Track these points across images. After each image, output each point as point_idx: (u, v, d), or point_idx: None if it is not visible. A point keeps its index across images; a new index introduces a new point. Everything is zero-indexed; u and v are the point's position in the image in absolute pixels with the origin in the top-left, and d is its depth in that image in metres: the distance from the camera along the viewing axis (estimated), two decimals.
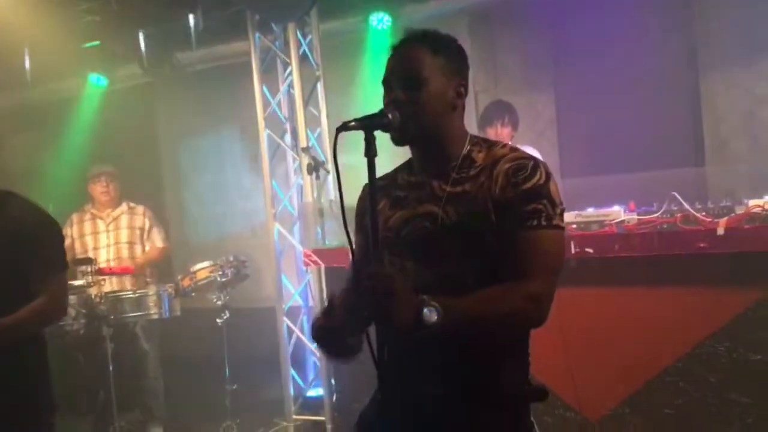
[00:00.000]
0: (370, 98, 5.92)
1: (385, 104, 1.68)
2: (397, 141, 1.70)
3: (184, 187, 7.05)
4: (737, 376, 2.85)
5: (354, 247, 1.84)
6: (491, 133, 4.24)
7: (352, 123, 1.58)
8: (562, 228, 1.66)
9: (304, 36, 4.55)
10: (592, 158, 4.98)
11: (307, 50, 4.53)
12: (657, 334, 3.03)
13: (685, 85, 4.80)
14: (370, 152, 1.60)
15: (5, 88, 6.03)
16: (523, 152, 1.71)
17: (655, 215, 3.00)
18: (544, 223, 1.62)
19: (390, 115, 1.63)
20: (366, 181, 1.68)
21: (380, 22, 5.12)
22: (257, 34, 4.49)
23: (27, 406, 2.43)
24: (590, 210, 3.23)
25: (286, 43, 4.51)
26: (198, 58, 5.84)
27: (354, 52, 5.31)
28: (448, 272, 1.65)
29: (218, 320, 4.55)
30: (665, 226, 2.96)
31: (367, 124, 1.59)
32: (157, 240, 4.91)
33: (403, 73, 1.68)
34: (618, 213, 3.09)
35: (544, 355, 1.93)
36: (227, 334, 4.54)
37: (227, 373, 4.55)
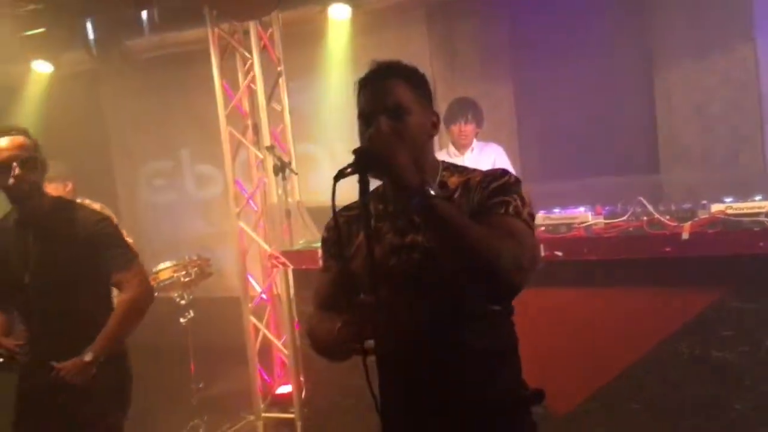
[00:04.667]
0: (330, 89, 5.88)
1: (370, 137, 1.65)
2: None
3: (137, 176, 6.86)
4: (697, 372, 3.00)
5: (326, 270, 1.90)
6: (455, 130, 4.27)
7: (349, 170, 1.56)
8: (532, 227, 1.66)
9: (265, 29, 4.45)
10: (551, 146, 5.06)
11: (267, 44, 4.43)
12: (622, 333, 3.14)
13: (641, 81, 4.91)
14: (365, 198, 1.58)
15: None
16: (496, 168, 1.78)
17: (622, 219, 3.10)
18: (512, 212, 1.63)
19: None
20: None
21: (339, 12, 5.05)
22: (215, 28, 4.36)
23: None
24: (557, 211, 3.31)
25: (245, 36, 4.40)
26: (149, 45, 5.66)
27: (313, 42, 5.23)
28: (442, 300, 1.67)
29: (182, 320, 4.49)
30: (631, 230, 3.06)
31: (360, 169, 1.55)
32: None
33: (386, 103, 1.68)
34: (585, 216, 3.17)
35: None
36: (191, 328, 4.50)
37: (193, 370, 4.52)
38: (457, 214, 1.56)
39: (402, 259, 1.71)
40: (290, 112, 4.56)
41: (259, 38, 4.38)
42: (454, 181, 1.76)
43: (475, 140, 4.35)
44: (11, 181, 2.44)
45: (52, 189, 4.61)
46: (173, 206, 6.68)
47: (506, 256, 1.52)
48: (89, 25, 5.36)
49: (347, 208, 1.85)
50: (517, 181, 1.72)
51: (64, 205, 2.67)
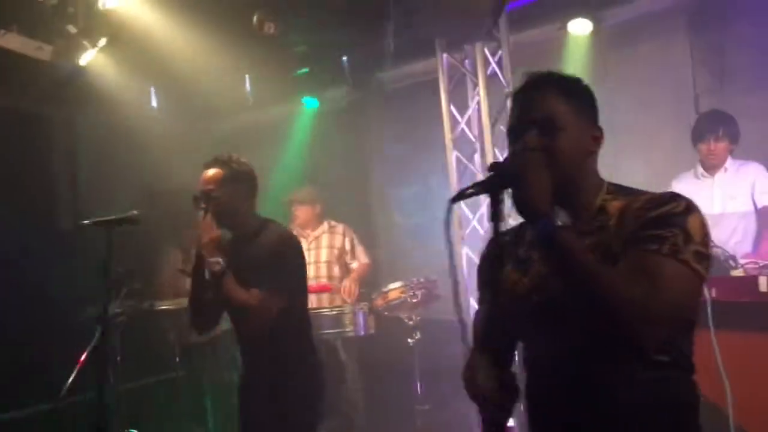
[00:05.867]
0: None
1: (514, 152, 1.55)
2: None
3: (390, 201, 7.24)
4: None
5: (482, 303, 1.80)
6: (703, 150, 3.76)
7: (470, 191, 1.44)
8: (697, 270, 1.37)
9: (494, 52, 4.40)
10: None
11: (495, 68, 4.38)
12: None
13: None
14: (496, 217, 1.46)
15: (231, 113, 6.68)
16: (666, 192, 1.50)
17: None
18: (666, 251, 1.36)
19: None
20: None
21: (579, 28, 4.80)
22: (444, 54, 4.44)
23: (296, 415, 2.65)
24: None
25: (474, 62, 4.40)
26: (397, 76, 6.00)
27: (551, 62, 5.03)
28: (590, 344, 1.45)
29: (410, 340, 4.60)
30: None
31: (488, 187, 1.44)
32: (362, 257, 5.11)
33: (536, 118, 1.53)
34: None
35: None
36: (418, 349, 4.58)
37: (419, 391, 4.60)
38: (580, 250, 1.37)
39: (546, 293, 1.53)
40: None
41: (487, 61, 4.34)
42: (615, 206, 1.54)
43: (729, 159, 3.77)
44: (202, 212, 2.65)
45: (302, 211, 5.12)
46: (421, 229, 6.90)
47: (630, 305, 1.30)
48: (345, 62, 5.83)
49: (503, 233, 1.70)
50: (688, 209, 1.43)
51: (264, 228, 2.76)
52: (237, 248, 2.79)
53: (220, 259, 2.56)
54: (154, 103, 5.74)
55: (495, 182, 1.44)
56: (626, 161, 5.33)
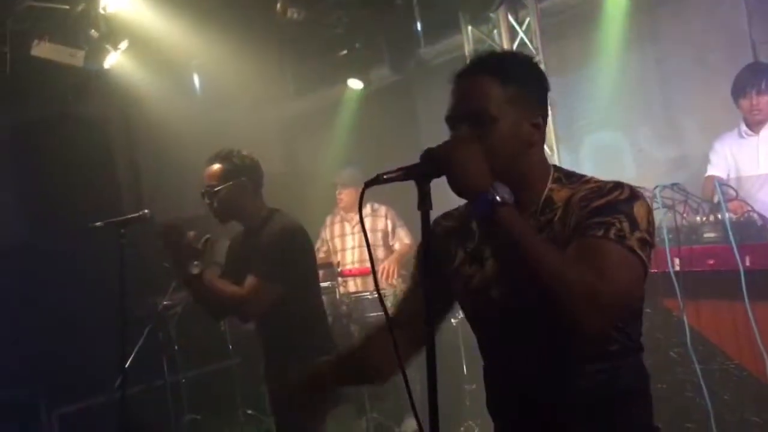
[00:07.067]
0: (607, 77, 5.28)
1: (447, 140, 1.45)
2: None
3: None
4: None
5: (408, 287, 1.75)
6: (745, 105, 3.48)
7: (389, 175, 1.34)
8: (641, 256, 1.31)
9: (522, 21, 4.22)
10: None
11: (524, 37, 4.19)
12: None
13: None
14: (425, 205, 1.37)
15: (278, 99, 6.75)
16: (610, 180, 1.41)
17: None
18: (612, 236, 1.30)
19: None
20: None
21: None
22: (469, 27, 4.30)
23: None
24: None
25: (500, 32, 4.25)
26: (439, 50, 5.85)
27: (588, 25, 4.78)
28: (548, 338, 1.39)
29: (453, 320, 4.54)
30: None
31: (415, 173, 1.34)
32: (404, 237, 5.06)
33: (467, 109, 1.44)
34: None
35: None
36: (461, 329, 4.52)
37: (465, 371, 4.55)
38: (523, 227, 1.29)
39: (505, 290, 1.46)
40: (553, 110, 4.24)
41: (512, 33, 4.17)
42: (561, 196, 1.46)
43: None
44: (210, 209, 2.70)
45: (346, 194, 5.11)
46: None
47: (576, 288, 1.23)
48: (384, 40, 5.75)
49: (446, 216, 1.66)
50: (632, 196, 1.37)
51: (270, 219, 2.76)
52: (246, 240, 2.84)
53: (197, 262, 2.54)
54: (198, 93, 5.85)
55: (424, 169, 1.35)
56: (682, 121, 5.03)
